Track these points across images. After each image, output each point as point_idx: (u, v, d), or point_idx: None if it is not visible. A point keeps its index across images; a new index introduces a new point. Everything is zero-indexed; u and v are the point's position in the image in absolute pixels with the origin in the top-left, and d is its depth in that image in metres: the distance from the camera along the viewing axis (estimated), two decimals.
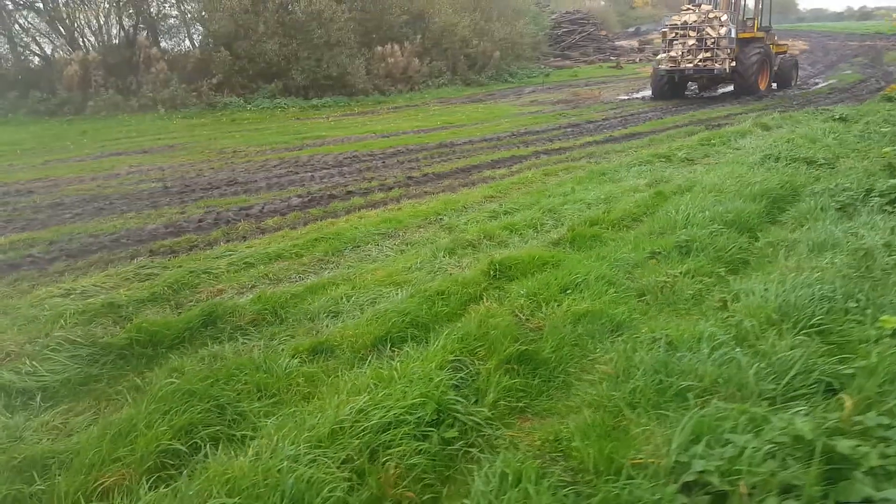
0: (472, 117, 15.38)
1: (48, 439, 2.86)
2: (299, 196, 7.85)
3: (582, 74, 26.54)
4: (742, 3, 16.98)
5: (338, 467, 2.35)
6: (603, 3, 39.77)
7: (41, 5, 21.85)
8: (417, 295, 3.98)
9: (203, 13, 21.40)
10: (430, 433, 2.57)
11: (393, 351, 3.43)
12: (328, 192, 7.96)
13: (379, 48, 21.74)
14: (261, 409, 2.89)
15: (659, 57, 16.99)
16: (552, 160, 9.37)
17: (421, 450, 2.48)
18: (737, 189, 5.50)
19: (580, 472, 2.39)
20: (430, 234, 5.78)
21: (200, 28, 22.51)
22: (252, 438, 2.66)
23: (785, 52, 19.19)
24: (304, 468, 2.29)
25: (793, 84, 18.81)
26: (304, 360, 3.38)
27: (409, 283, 4.48)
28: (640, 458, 2.23)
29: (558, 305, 3.70)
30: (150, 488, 2.32)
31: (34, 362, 3.41)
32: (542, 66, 27.86)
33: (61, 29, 21.80)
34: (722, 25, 15.72)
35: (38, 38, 22.89)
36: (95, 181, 9.31)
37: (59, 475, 2.47)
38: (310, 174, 9.35)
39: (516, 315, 3.63)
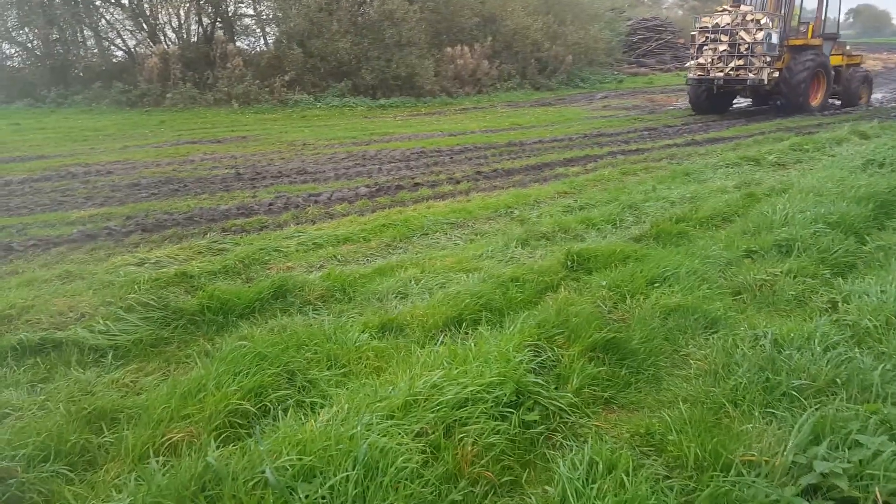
0: (541, 119, 15.14)
1: (118, 395, 2.82)
2: (367, 186, 7.82)
3: (658, 82, 25.81)
4: (794, 4, 14.56)
5: (412, 439, 2.20)
6: (681, 12, 38.73)
7: (126, 1, 22.92)
8: (490, 280, 3.82)
9: (279, 12, 21.93)
10: (508, 414, 2.40)
11: (465, 332, 3.27)
12: (395, 184, 7.90)
13: (448, 49, 21.75)
14: (331, 378, 2.78)
15: (688, 64, 14.97)
16: (630, 160, 9.06)
17: (499, 430, 2.31)
18: (839, 192, 5.11)
19: (676, 467, 2.17)
20: (500, 225, 5.61)
21: (275, 27, 23.09)
22: (321, 406, 2.56)
23: (858, 65, 16.63)
24: (376, 437, 2.15)
25: (861, 102, 16.03)
26: (373, 336, 3.27)
27: (480, 270, 4.31)
28: (752, 456, 1.99)
29: (645, 298, 3.47)
30: (217, 446, 2.22)
31: (107, 322, 3.41)
32: (616, 73, 27.21)
33: (144, 24, 22.79)
34: (760, 29, 13.37)
35: (121, 32, 24.03)
36: (171, 165, 9.56)
37: (128, 429, 2.41)
38: (377, 167, 9.33)
39: (598, 305, 3.41)
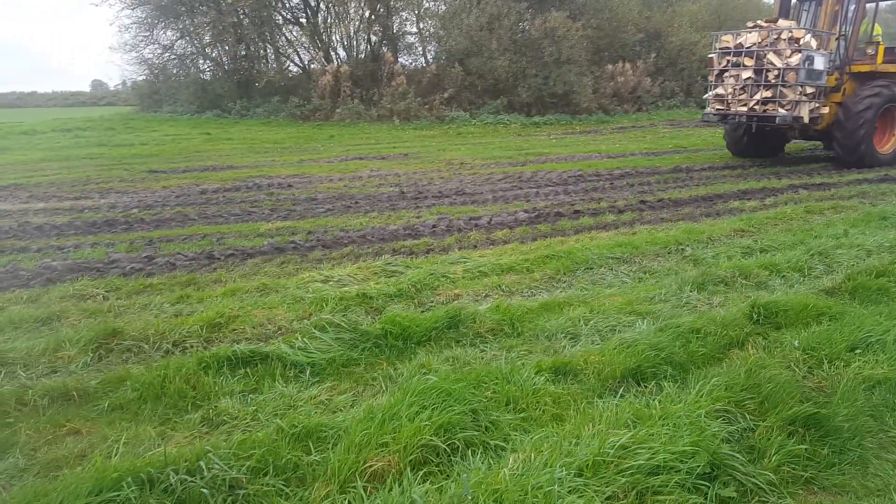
0: (708, 142, 14.38)
1: (316, 412, 3.09)
2: (525, 211, 7.88)
3: None
4: (855, 18, 10.82)
5: (602, 502, 2.20)
6: None
7: (304, 21, 24.97)
8: (669, 330, 3.70)
9: (441, 30, 22.79)
10: (702, 487, 2.31)
11: (644, 386, 3.20)
12: (555, 210, 7.89)
13: (609, 66, 21.38)
14: (512, 422, 2.85)
15: (706, 96, 11.55)
16: (814, 196, 8.35)
17: None
18: None
19: None
20: (671, 263, 5.41)
21: (436, 44, 24.03)
22: (504, 450, 2.63)
23: None
24: (569, 495, 2.17)
25: None
26: (548, 380, 3.29)
27: (653, 315, 4.20)
28: None
29: (845, 366, 3.19)
30: (414, 480, 2.36)
31: (305, 339, 3.74)
32: None
33: (318, 42, 24.70)
34: (797, 51, 9.87)
35: (298, 49, 26.25)
36: (342, 181, 10.27)
37: (332, 450, 2.63)
38: (534, 190, 9.38)
39: (791, 369, 3.19)
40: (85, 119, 23.53)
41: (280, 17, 25.34)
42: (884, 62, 10.96)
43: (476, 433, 2.72)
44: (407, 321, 3.94)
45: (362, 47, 24.26)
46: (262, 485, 2.41)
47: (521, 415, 2.94)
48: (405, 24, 25.10)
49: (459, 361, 3.63)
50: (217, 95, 24.33)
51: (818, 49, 10.12)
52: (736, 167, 10.92)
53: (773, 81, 10.21)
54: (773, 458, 2.50)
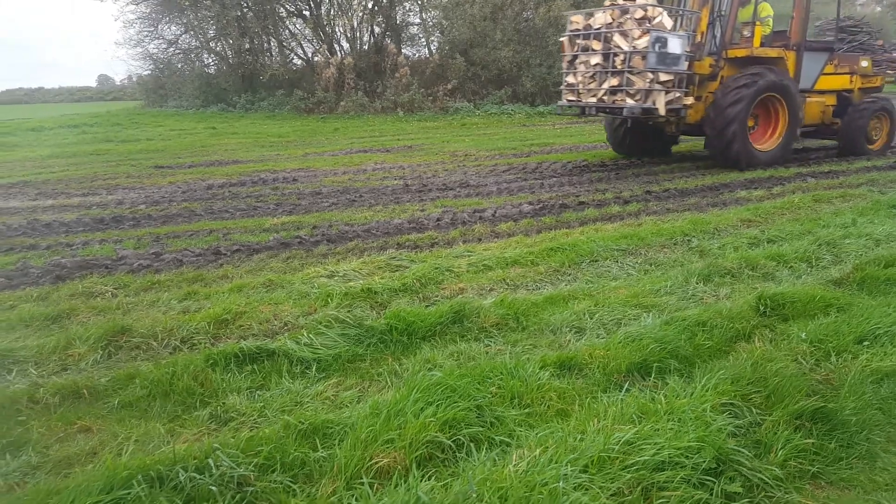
0: None
1: (323, 408, 3.11)
2: (530, 203, 7.87)
3: None
4: None
5: (608, 497, 2.21)
6: (879, 9, 34.62)
7: (307, 13, 24.93)
8: (674, 323, 3.69)
9: (444, 21, 22.71)
10: (708, 482, 2.32)
11: (651, 379, 3.20)
12: (559, 201, 7.87)
13: None
14: (517, 417, 2.86)
15: (562, 87, 10.04)
16: (822, 184, 8.29)
17: (699, 500, 2.24)
18: None
19: None
20: (677, 255, 5.39)
21: (439, 35, 23.95)
22: (509, 446, 2.64)
23: (878, 88, 11.14)
24: (574, 492, 2.18)
25: (872, 147, 10.76)
26: (553, 374, 3.29)
27: (659, 308, 4.19)
28: None
29: (853, 358, 3.18)
30: (420, 477, 2.38)
31: (311, 335, 3.76)
32: None
33: (321, 35, 24.66)
34: (645, 32, 8.43)
35: (302, 42, 26.23)
36: (347, 174, 10.28)
37: (338, 446, 2.65)
38: (539, 181, 9.36)
39: (798, 362, 3.18)
40: (92, 115, 23.63)
41: (283, 10, 25.31)
42: (769, 46, 9.71)
43: (481, 429, 2.73)
44: (412, 316, 3.95)
45: (365, 39, 24.23)
46: (270, 482, 2.43)
47: (526, 410, 2.95)
48: (408, 15, 25.05)
49: (464, 356, 3.64)
50: (222, 89, 24.37)
51: (674, 30, 8.69)
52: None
53: (619, 68, 8.75)
54: (780, 453, 2.49)
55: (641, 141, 10.75)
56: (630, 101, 8.70)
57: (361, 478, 2.40)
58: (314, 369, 3.50)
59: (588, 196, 8.14)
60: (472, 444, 2.65)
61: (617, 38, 8.74)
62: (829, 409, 2.70)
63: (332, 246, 6.09)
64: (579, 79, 9.44)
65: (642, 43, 8.49)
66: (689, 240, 5.74)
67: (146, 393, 3.18)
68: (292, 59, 26.23)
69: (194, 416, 3.03)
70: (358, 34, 24.21)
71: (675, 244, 5.68)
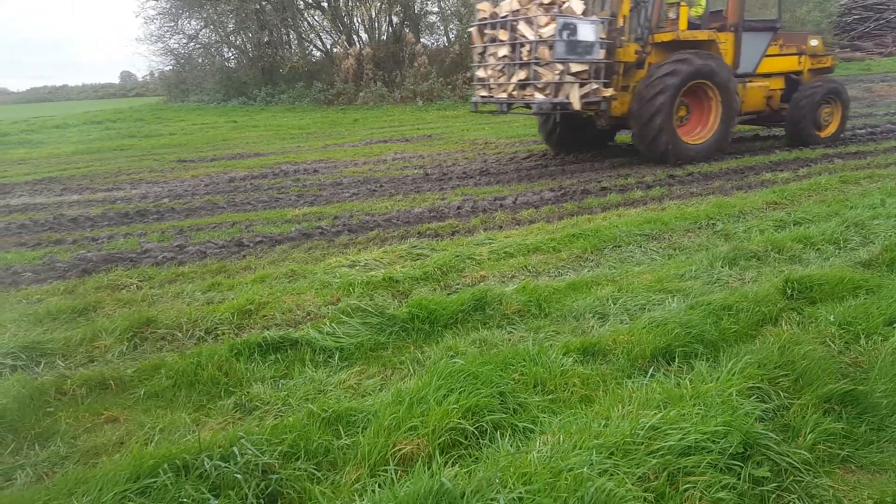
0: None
1: (346, 396, 3.12)
2: (551, 189, 7.81)
3: (877, 68, 22.72)
4: None
5: (634, 483, 2.19)
6: None
7: (326, 4, 24.94)
8: (699, 307, 3.64)
9: (462, 9, 22.55)
10: (734, 466, 2.28)
11: (676, 364, 3.16)
12: (581, 188, 7.80)
13: None
14: (540, 404, 2.84)
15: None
16: (849, 165, 8.11)
17: (726, 484, 2.21)
18: None
19: None
20: (702, 239, 5.31)
21: (458, 23, 23.82)
22: (532, 432, 2.63)
23: (827, 71, 10.26)
24: (599, 477, 2.16)
25: (822, 134, 9.88)
26: (576, 360, 3.27)
27: (683, 293, 4.13)
28: None
29: (883, 341, 3.10)
30: (444, 462, 2.38)
31: (333, 324, 3.78)
32: None
33: (340, 26, 24.67)
34: (552, 19, 7.63)
35: (320, 34, 26.27)
36: (367, 165, 10.29)
37: (362, 434, 2.66)
38: (560, 167, 9.29)
39: (826, 345, 3.12)
40: (115, 111, 23.94)
41: (302, 2, 25.33)
42: (704, 27, 8.90)
43: (504, 416, 2.72)
44: (433, 304, 3.95)
45: (384, 29, 24.17)
46: (294, 469, 2.45)
47: (550, 396, 2.93)
48: (426, 4, 24.90)
49: (486, 344, 3.63)
50: (242, 83, 24.53)
51: (586, 14, 7.81)
52: (766, 139, 10.62)
53: (526, 59, 7.95)
54: (809, 437, 2.45)
55: (572, 134, 10.05)
56: (539, 96, 7.94)
57: (385, 465, 2.41)
58: (337, 358, 3.52)
59: (610, 181, 8.04)
60: (495, 431, 2.64)
61: (522, 27, 7.99)
62: (859, 392, 2.64)
63: (354, 236, 6.10)
64: (489, 73, 8.70)
65: (548, 31, 7.68)
66: (713, 223, 5.65)
67: (172, 383, 3.22)
68: (311, 50, 26.34)
69: (219, 406, 3.06)
70: (376, 24, 24.20)
71: (699, 228, 5.59)
